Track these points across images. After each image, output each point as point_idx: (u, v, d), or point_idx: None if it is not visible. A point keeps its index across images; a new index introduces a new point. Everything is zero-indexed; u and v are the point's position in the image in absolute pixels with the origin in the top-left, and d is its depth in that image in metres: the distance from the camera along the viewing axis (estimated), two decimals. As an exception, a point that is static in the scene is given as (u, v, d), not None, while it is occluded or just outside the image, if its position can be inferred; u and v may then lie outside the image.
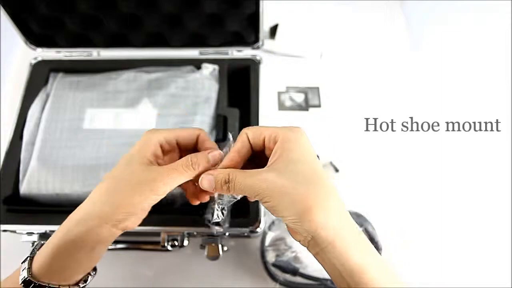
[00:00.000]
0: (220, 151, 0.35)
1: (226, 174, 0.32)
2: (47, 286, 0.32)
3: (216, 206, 0.35)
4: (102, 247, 0.34)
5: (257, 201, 0.51)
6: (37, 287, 0.32)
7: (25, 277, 0.31)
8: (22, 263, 0.33)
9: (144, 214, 0.36)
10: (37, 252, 0.34)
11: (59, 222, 0.50)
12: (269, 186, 0.29)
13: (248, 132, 0.33)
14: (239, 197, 0.34)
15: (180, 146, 0.37)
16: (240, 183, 0.31)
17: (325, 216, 0.29)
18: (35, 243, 0.36)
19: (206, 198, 0.39)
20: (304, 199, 0.29)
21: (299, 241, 0.32)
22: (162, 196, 0.34)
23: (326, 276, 0.37)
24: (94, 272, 0.36)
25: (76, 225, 0.33)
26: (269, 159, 0.32)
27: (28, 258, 0.33)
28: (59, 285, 0.32)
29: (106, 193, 0.34)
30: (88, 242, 0.33)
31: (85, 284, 0.35)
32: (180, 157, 0.38)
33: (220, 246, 0.51)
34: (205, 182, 0.33)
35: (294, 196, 0.29)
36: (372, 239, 0.56)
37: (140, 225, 0.49)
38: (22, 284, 0.31)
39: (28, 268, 0.32)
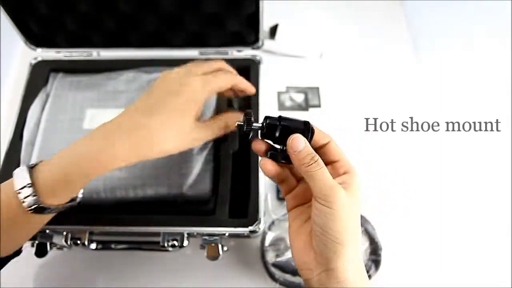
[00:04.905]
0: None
1: (316, 156, 0.33)
2: (51, 208, 0.35)
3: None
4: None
5: (257, 201, 0.51)
6: (38, 208, 0.34)
7: (30, 195, 0.33)
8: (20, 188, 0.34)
9: None
10: (42, 171, 0.35)
11: (59, 222, 0.50)
12: (343, 201, 0.31)
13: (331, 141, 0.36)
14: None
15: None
16: (323, 173, 0.32)
17: (352, 260, 0.31)
18: (31, 164, 0.37)
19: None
20: (351, 234, 0.31)
21: (304, 268, 0.33)
22: None
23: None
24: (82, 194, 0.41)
25: (96, 165, 0.36)
26: (338, 180, 0.33)
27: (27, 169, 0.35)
28: (58, 204, 0.36)
29: (139, 134, 0.37)
30: (98, 171, 0.36)
31: (78, 200, 0.39)
32: None
33: (220, 246, 0.51)
34: (295, 142, 0.33)
35: (350, 224, 0.31)
36: (372, 239, 0.56)
37: (140, 225, 0.50)
38: (27, 207, 0.33)
39: (31, 183, 0.34)
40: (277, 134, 0.34)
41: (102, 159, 0.36)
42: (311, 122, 0.36)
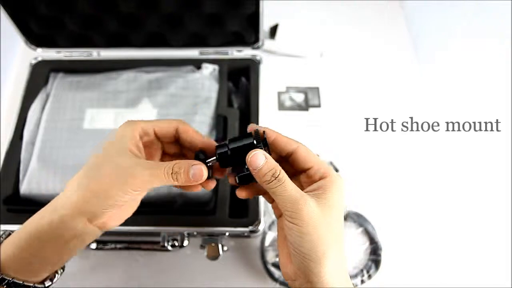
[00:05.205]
0: (203, 167, 0.32)
1: (278, 169, 0.30)
2: (10, 281, 0.29)
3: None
4: (77, 243, 0.32)
5: (257, 201, 0.51)
6: None
7: None
8: None
9: (124, 213, 0.34)
10: (5, 241, 0.31)
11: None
12: (310, 214, 0.29)
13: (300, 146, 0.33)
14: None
15: (159, 138, 0.36)
16: (285, 189, 0.30)
17: (334, 270, 0.30)
18: (2, 232, 0.33)
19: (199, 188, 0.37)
20: (329, 245, 0.30)
21: (288, 279, 0.32)
22: (142, 194, 0.32)
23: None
24: (62, 270, 0.34)
25: (49, 215, 0.31)
26: (311, 188, 0.32)
27: None
28: (23, 281, 0.30)
29: (81, 181, 0.31)
30: (60, 235, 0.31)
31: (51, 283, 0.33)
32: (163, 149, 0.37)
33: (220, 246, 0.51)
34: (254, 159, 0.30)
35: (322, 236, 0.29)
36: (372, 239, 0.56)
37: (140, 225, 0.50)
38: None
39: None
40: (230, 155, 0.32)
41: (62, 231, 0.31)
42: (262, 128, 0.33)
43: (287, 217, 0.30)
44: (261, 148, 0.31)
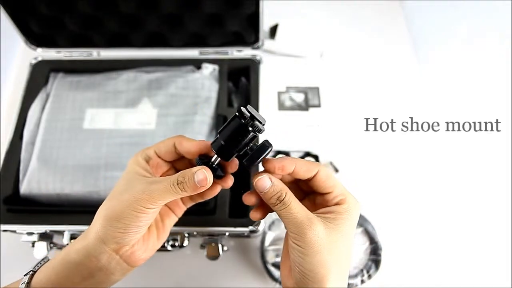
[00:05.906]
0: (205, 170, 0.31)
1: (284, 192, 0.31)
2: None
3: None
4: (104, 277, 0.32)
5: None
6: None
7: None
8: (24, 275, 0.32)
9: (151, 243, 0.35)
10: (41, 268, 0.32)
11: (59, 222, 0.50)
12: (314, 239, 0.29)
13: (321, 169, 0.32)
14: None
15: (163, 158, 0.36)
16: (290, 212, 0.30)
17: None
18: (43, 258, 0.34)
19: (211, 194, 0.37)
20: (329, 269, 0.30)
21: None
22: (155, 209, 0.32)
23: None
24: None
25: (77, 242, 0.32)
26: (324, 210, 0.32)
27: (30, 272, 0.32)
28: None
29: (101, 209, 0.32)
30: (85, 265, 0.31)
31: None
32: (175, 169, 0.38)
33: (220, 246, 0.51)
34: (261, 183, 0.31)
35: (324, 261, 0.30)
36: (372, 239, 0.56)
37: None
38: None
39: (27, 283, 0.31)
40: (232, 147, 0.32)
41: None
42: (247, 107, 0.31)
43: (291, 238, 0.30)
44: (251, 125, 0.30)
